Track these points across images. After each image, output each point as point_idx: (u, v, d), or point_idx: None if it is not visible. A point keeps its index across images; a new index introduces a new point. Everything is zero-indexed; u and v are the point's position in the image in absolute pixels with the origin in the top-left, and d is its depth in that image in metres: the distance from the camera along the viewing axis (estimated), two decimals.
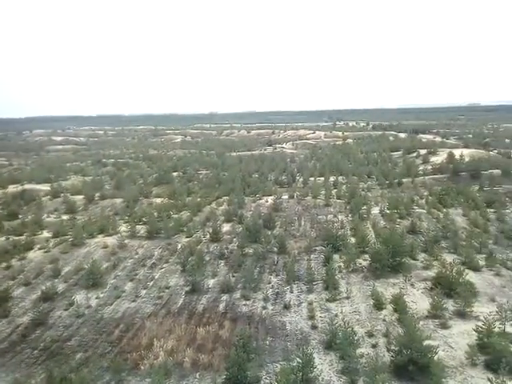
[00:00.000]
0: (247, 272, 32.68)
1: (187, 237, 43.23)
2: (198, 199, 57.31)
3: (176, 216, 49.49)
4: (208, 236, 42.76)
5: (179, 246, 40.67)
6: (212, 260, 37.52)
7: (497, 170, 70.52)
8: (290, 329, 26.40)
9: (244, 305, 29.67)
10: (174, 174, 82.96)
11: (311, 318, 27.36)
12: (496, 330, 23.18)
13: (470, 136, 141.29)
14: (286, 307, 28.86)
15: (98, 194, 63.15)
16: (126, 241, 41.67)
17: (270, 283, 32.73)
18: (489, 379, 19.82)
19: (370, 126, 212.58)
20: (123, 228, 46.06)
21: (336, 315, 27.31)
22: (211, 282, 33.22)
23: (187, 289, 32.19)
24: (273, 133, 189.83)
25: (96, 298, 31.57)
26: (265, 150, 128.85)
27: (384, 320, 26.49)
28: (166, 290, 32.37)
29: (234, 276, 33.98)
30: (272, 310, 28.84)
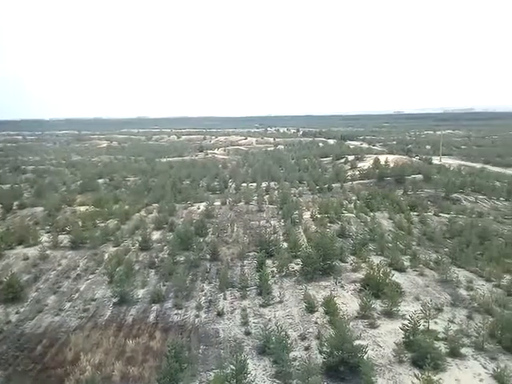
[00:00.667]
0: (179, 280, 31.85)
1: (115, 246, 41.56)
2: (126, 207, 55.32)
3: (103, 224, 47.48)
4: (137, 244, 41.36)
5: (106, 255, 38.99)
6: (142, 269, 36.25)
7: (419, 175, 74.20)
8: (223, 336, 25.95)
9: (176, 314, 28.85)
10: (100, 180, 79.97)
11: (245, 324, 27.07)
12: (421, 327, 24.02)
13: (394, 143, 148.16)
14: (220, 314, 28.38)
15: (16, 203, 59.35)
16: (48, 251, 39.33)
17: (202, 291, 32.10)
18: (415, 375, 20.44)
19: (300, 132, 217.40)
20: (45, 238, 43.45)
21: (269, 320, 27.18)
22: (141, 292, 32.02)
23: (115, 300, 30.81)
24: (204, 138, 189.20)
25: (16, 313, 29.42)
26: (196, 155, 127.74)
27: (316, 323, 26.72)
28: (93, 302, 30.80)
29: (165, 285, 32.98)
30: (205, 317, 28.25)
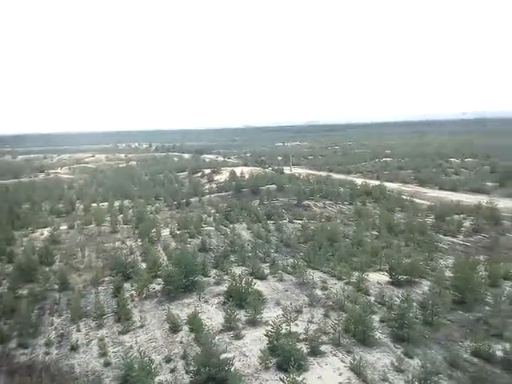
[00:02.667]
0: (22, 317, 28.65)
1: None
2: None
3: None
4: None
5: None
6: None
7: (273, 185, 77.68)
8: (79, 371, 23.85)
9: (22, 354, 25.84)
10: None
11: (103, 355, 25.23)
12: (283, 331, 24.75)
13: (248, 155, 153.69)
14: (74, 348, 26.06)
15: None
16: None
17: (52, 325, 29.25)
18: (281, 379, 20.90)
19: (153, 147, 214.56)
20: None
21: (131, 347, 25.77)
22: None
23: None
24: (45, 157, 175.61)
25: None
26: (36, 176, 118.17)
27: (181, 342, 26.02)
28: None
29: (6, 323, 29.33)
30: (57, 354, 25.72)
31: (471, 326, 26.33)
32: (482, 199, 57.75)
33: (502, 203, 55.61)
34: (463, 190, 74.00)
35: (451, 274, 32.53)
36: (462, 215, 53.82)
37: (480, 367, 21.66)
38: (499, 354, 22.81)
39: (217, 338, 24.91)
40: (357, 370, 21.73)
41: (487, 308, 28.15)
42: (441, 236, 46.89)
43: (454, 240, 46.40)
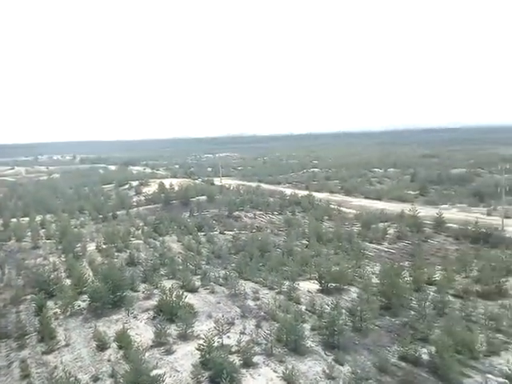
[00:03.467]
0: None
1: None
2: None
3: None
4: None
5: None
6: None
7: (203, 197, 77.17)
8: None
9: None
10: None
11: (26, 377, 23.62)
12: (216, 344, 24.39)
13: (177, 166, 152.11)
14: None
15: None
16: None
17: None
18: None
19: (78, 159, 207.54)
20: None
21: (55, 367, 24.33)
22: None
23: None
24: None
25: None
26: None
27: (109, 360, 24.90)
28: None
29: None
30: None
31: (398, 330, 27.28)
32: (405, 207, 60.61)
33: (423, 211, 58.60)
34: (387, 198, 77.34)
35: (378, 281, 33.68)
36: (386, 223, 56.12)
37: (407, 371, 22.43)
38: (425, 357, 23.73)
39: (147, 354, 24.18)
40: (289, 379, 21.77)
41: (412, 313, 29.31)
42: (367, 243, 48.64)
43: (380, 247, 48.29)
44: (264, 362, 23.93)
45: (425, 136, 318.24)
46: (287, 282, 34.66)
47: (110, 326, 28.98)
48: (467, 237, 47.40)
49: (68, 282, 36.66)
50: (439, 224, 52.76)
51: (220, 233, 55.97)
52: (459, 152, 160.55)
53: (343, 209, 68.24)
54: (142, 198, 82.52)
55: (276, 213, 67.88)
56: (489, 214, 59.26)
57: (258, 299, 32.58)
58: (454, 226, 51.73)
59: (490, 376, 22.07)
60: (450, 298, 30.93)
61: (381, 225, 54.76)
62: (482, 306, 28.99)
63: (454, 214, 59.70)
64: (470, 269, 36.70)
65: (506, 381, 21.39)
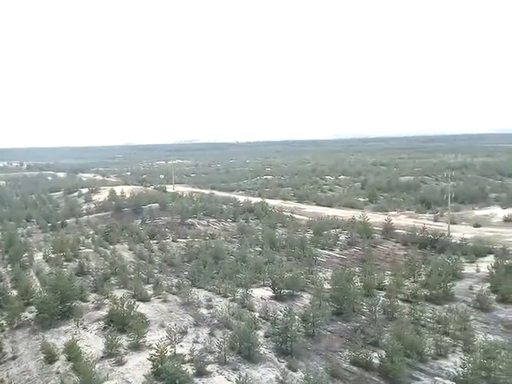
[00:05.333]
0: None
1: None
2: None
3: None
4: None
5: None
6: None
7: (155, 204, 76.08)
8: None
9: None
10: None
11: None
12: (168, 354, 24.09)
13: (129, 173, 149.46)
14: None
15: None
16: None
17: None
18: None
19: (25, 165, 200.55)
20: None
21: (1, 381, 23.53)
22: None
23: None
24: None
25: None
26: None
27: (58, 372, 24.17)
28: None
29: None
30: None
31: (349, 335, 27.83)
32: (355, 214, 62.02)
33: (373, 217, 60.13)
34: (338, 205, 78.93)
35: (330, 286, 34.27)
36: (337, 229, 57.21)
37: (359, 376, 22.91)
38: (376, 361, 24.32)
39: (97, 365, 23.71)
40: None
41: (363, 317, 30.03)
42: (319, 250, 49.38)
43: (332, 253, 49.20)
44: (217, 371, 23.87)
45: (374, 144, 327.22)
46: (241, 290, 34.72)
47: (58, 338, 28.16)
48: (415, 242, 48.97)
49: (14, 292, 35.32)
50: (388, 230, 54.35)
51: (173, 240, 55.39)
52: (407, 160, 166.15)
53: (296, 216, 69.02)
54: (93, 206, 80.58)
55: (230, 220, 67.86)
56: (435, 220, 61.60)
57: (211, 307, 32.44)
58: (403, 231, 53.41)
59: (438, 379, 22.89)
60: (400, 303, 31.88)
61: (332, 231, 55.74)
62: (430, 310, 30.00)
63: (402, 221, 61.69)
64: (418, 273, 37.94)
65: (454, 383, 22.22)
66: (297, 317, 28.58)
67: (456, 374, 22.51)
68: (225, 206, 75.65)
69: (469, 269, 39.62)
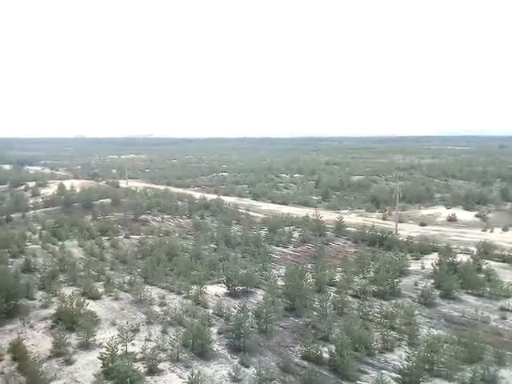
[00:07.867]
0: None
1: None
2: None
3: None
4: None
5: None
6: None
7: (107, 199, 74.40)
8: None
9: None
10: None
11: None
12: (119, 352, 23.71)
13: (79, 167, 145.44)
14: None
15: None
16: None
17: None
18: None
19: None
20: None
21: None
22: None
23: None
24: None
25: None
26: None
27: (2, 373, 23.32)
28: None
29: None
30: None
31: (301, 330, 28.33)
32: (309, 212, 62.96)
33: (326, 215, 61.31)
34: (292, 203, 79.89)
35: (283, 283, 34.65)
36: (291, 227, 57.96)
37: (310, 370, 23.33)
38: (326, 356, 24.85)
39: (44, 365, 23.11)
40: None
41: (315, 313, 30.58)
42: (274, 247, 49.89)
43: (286, 250, 49.77)
44: (170, 368, 23.74)
45: (328, 144, 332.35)
46: (195, 287, 34.52)
47: (3, 337, 27.13)
48: (365, 240, 50.38)
49: None
50: (340, 228, 55.61)
51: (125, 237, 54.36)
52: (359, 160, 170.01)
53: (251, 213, 69.31)
54: (40, 200, 77.86)
55: (185, 216, 67.33)
56: (384, 219, 63.56)
57: (164, 304, 32.11)
58: (353, 229, 54.80)
59: (384, 372, 23.64)
60: (349, 298, 32.66)
61: (287, 229, 56.41)
62: (377, 306, 31.00)
63: (353, 219, 63.26)
64: (367, 270, 38.93)
65: (399, 375, 23.03)
66: (250, 313, 28.76)
67: (401, 366, 23.33)
68: (180, 203, 75.00)
69: (414, 266, 41.07)
